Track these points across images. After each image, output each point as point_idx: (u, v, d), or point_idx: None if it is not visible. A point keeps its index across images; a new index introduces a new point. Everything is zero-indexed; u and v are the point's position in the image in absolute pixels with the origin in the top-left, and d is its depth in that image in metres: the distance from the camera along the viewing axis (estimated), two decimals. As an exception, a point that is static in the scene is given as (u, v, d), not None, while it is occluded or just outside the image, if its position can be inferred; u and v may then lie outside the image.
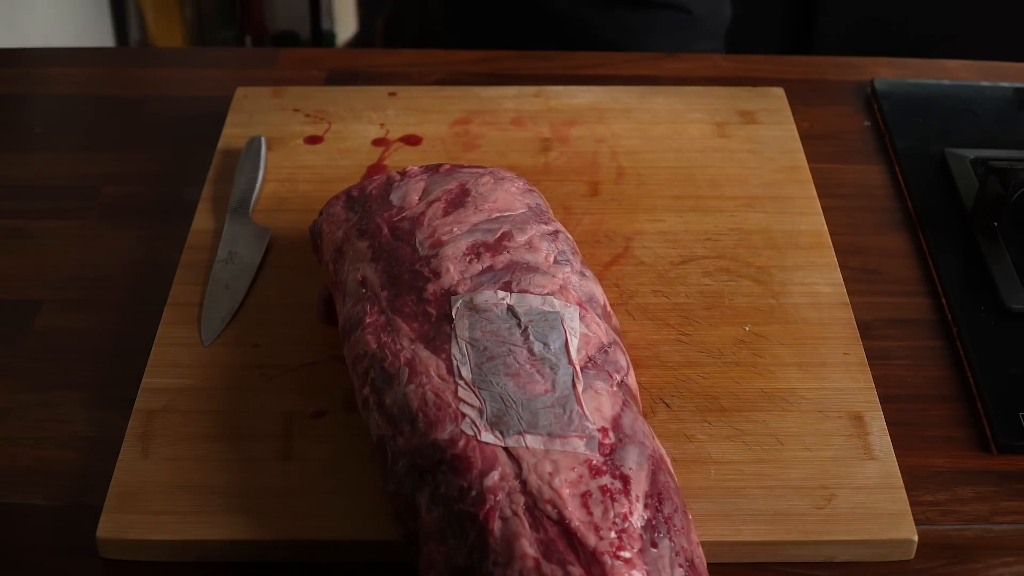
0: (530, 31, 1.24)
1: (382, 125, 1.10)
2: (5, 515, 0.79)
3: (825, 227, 0.99)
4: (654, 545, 0.67)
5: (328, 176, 1.03)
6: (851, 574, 0.76)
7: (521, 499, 0.67)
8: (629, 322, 0.90)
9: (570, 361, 0.74)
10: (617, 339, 0.79)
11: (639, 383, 0.84)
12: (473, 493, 0.68)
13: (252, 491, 0.77)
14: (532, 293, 0.78)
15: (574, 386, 0.73)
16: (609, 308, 0.82)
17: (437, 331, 0.76)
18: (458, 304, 0.77)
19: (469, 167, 0.90)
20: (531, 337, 0.75)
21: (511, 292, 0.78)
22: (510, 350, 0.74)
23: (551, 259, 0.82)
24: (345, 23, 2.65)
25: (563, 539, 0.66)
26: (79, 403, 0.86)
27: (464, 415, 0.71)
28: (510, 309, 0.77)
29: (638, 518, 0.67)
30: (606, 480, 0.68)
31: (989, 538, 0.78)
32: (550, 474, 0.68)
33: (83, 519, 0.77)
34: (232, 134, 1.09)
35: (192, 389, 0.84)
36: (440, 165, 0.90)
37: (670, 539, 0.68)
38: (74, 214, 1.03)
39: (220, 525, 0.75)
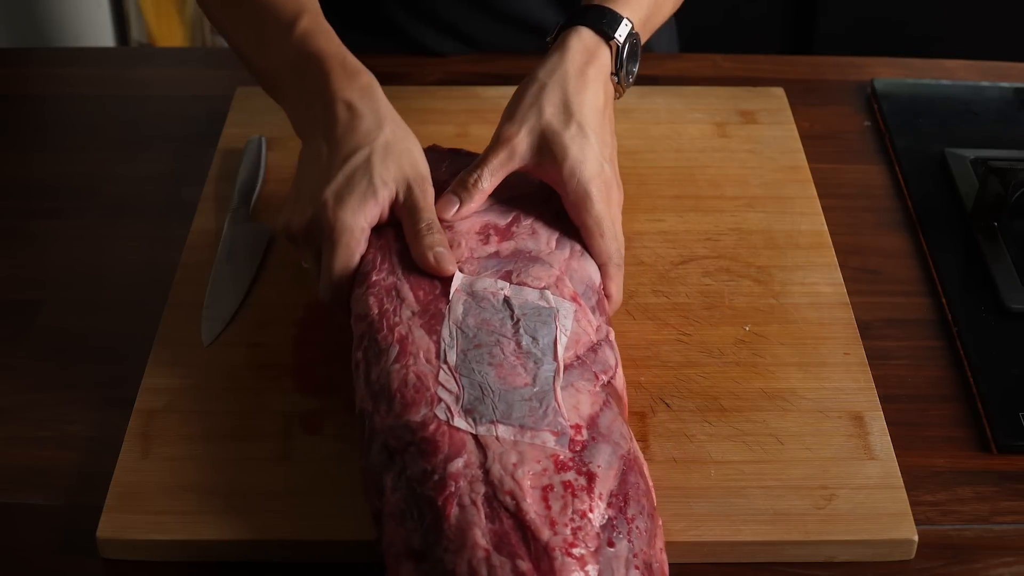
0: (519, 36, 1.25)
1: (382, 125, 1.10)
2: (5, 515, 0.79)
3: (825, 227, 0.99)
4: (611, 544, 0.67)
5: (328, 176, 1.03)
6: (851, 574, 0.76)
7: (482, 488, 0.67)
8: (629, 322, 0.90)
9: (555, 358, 0.75)
10: (608, 335, 0.79)
11: (639, 383, 0.84)
12: (436, 477, 0.68)
13: (252, 491, 0.77)
14: (530, 286, 0.79)
15: (554, 382, 0.73)
16: (603, 292, 0.84)
17: (435, 305, 0.77)
18: (458, 283, 0.79)
19: None
20: (521, 331, 0.76)
21: (510, 283, 0.79)
22: (498, 340, 0.75)
23: (552, 243, 0.83)
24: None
25: (517, 532, 0.66)
26: (79, 403, 0.86)
27: (440, 399, 0.71)
28: (506, 300, 0.78)
29: (598, 516, 0.68)
30: (570, 476, 0.68)
31: (989, 538, 0.78)
32: (514, 464, 0.68)
33: (83, 519, 0.77)
34: (232, 134, 1.09)
35: (192, 389, 0.84)
36: (462, 149, 0.94)
37: (629, 541, 0.68)
38: (74, 214, 1.03)
39: (220, 525, 0.75)
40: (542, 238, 0.84)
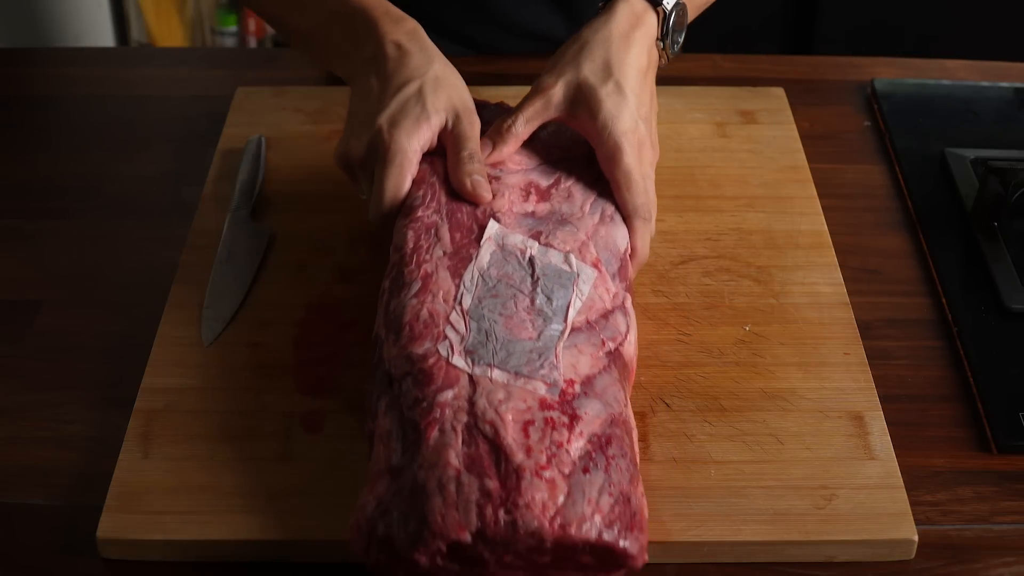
0: (519, 37, 1.25)
1: (382, 125, 1.10)
2: (5, 515, 0.79)
3: (825, 227, 0.99)
4: (586, 471, 0.69)
5: (328, 176, 1.03)
6: (851, 574, 0.76)
7: (464, 418, 0.71)
8: (629, 322, 0.90)
9: (564, 319, 0.77)
10: (624, 301, 0.81)
11: (639, 383, 0.85)
12: (424, 404, 0.72)
13: (252, 491, 0.77)
14: (555, 248, 0.82)
15: (558, 341, 0.76)
16: (628, 255, 0.86)
17: (467, 249, 0.81)
18: (492, 232, 0.82)
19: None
20: (539, 289, 0.79)
21: (538, 243, 0.82)
22: (515, 295, 0.78)
23: (586, 207, 0.86)
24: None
25: (491, 456, 0.69)
26: (79, 403, 0.86)
27: (446, 337, 0.75)
28: (531, 259, 0.81)
29: (576, 448, 0.70)
30: (554, 414, 0.71)
31: (989, 538, 0.78)
32: (500, 400, 0.72)
33: (83, 519, 0.77)
34: (232, 134, 1.09)
35: (192, 389, 0.84)
36: (501, 103, 0.96)
37: (606, 473, 0.70)
38: (74, 214, 1.03)
39: (220, 525, 0.75)
40: (576, 202, 0.86)
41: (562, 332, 0.76)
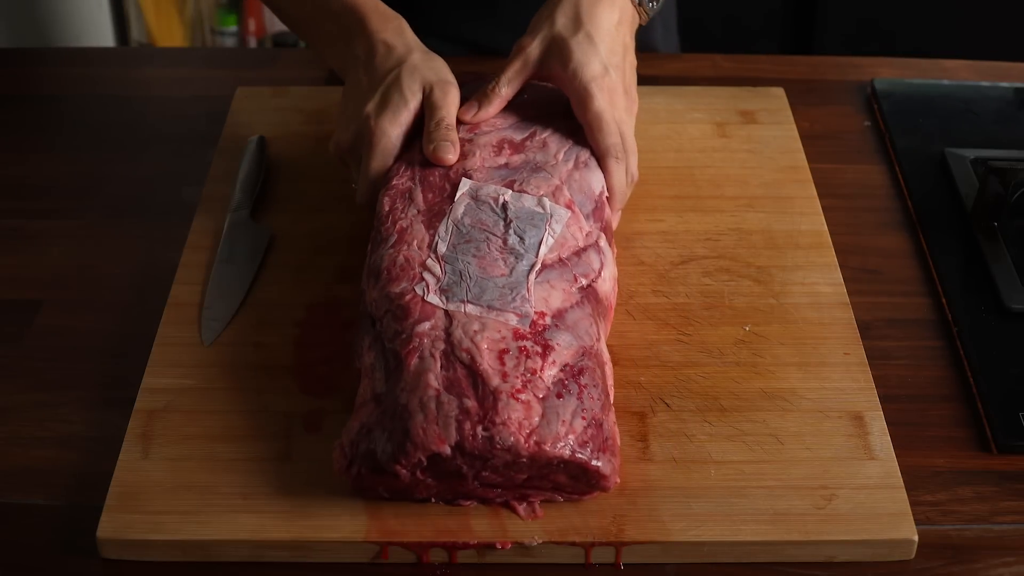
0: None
1: (382, 125, 1.10)
2: (5, 515, 0.79)
3: (825, 227, 0.99)
4: (559, 397, 0.73)
5: (328, 176, 1.03)
6: (851, 574, 0.76)
7: (442, 346, 0.75)
8: (629, 322, 0.90)
9: (536, 255, 0.80)
10: (597, 240, 0.84)
11: (639, 383, 0.85)
12: (403, 336, 0.76)
13: (252, 491, 0.77)
14: (529, 194, 0.85)
15: (528, 275, 0.79)
16: (605, 198, 0.89)
17: (440, 207, 0.85)
18: (465, 189, 0.85)
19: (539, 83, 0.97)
20: (511, 231, 0.83)
21: (512, 190, 0.85)
22: (487, 238, 0.82)
23: (560, 155, 0.89)
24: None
25: (468, 379, 0.73)
26: (79, 403, 0.86)
27: (422, 279, 0.79)
28: (504, 205, 0.84)
29: (549, 376, 0.74)
30: (527, 344, 0.75)
31: (989, 538, 0.78)
32: (475, 331, 0.76)
33: (83, 519, 0.77)
34: (232, 134, 1.09)
35: (192, 389, 0.84)
36: (481, 74, 0.98)
37: (579, 399, 0.73)
38: (74, 214, 1.03)
39: (220, 525, 0.75)
40: (551, 150, 0.90)
41: (532, 266, 0.80)
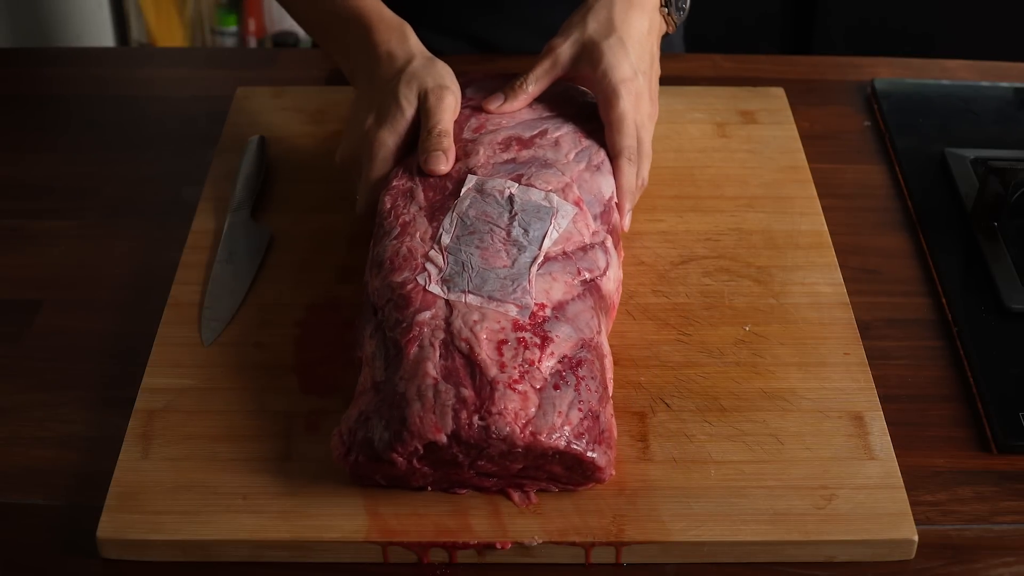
0: (519, 34, 1.25)
1: (382, 125, 1.10)
2: (5, 515, 0.79)
3: (825, 227, 0.99)
4: (556, 388, 0.73)
5: (328, 176, 1.03)
6: (851, 574, 0.76)
7: (441, 335, 0.76)
8: (629, 322, 0.90)
9: (539, 248, 0.81)
10: (606, 241, 0.85)
11: (639, 383, 0.85)
12: (404, 324, 0.77)
13: (252, 491, 0.77)
14: (537, 188, 0.85)
15: (531, 267, 0.79)
16: (615, 203, 0.89)
17: (443, 203, 0.85)
18: (470, 184, 0.86)
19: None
20: (515, 223, 0.83)
21: (519, 183, 0.86)
22: (491, 229, 0.82)
23: (571, 156, 0.89)
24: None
25: (466, 368, 0.74)
26: (79, 403, 0.86)
27: (425, 269, 0.80)
28: (511, 197, 0.84)
29: (547, 367, 0.74)
30: (526, 335, 0.75)
31: (989, 538, 0.78)
32: (475, 321, 0.76)
33: (83, 519, 0.77)
34: (232, 134, 1.09)
35: (192, 389, 0.84)
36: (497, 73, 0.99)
37: (576, 391, 0.74)
38: (74, 214, 1.03)
39: (220, 525, 0.75)
40: (563, 150, 0.90)
41: (535, 259, 0.80)
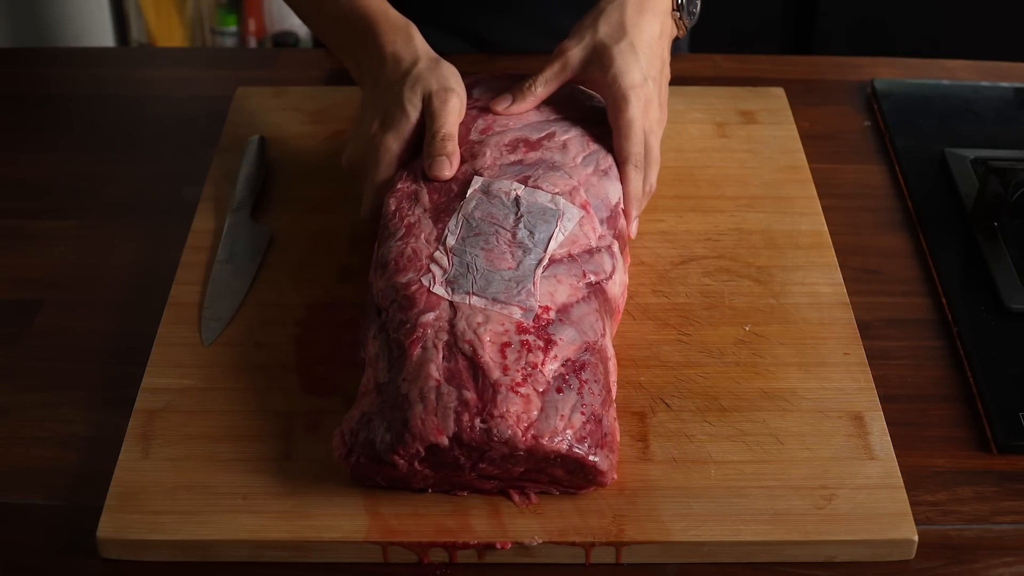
0: (522, 34, 1.25)
1: (382, 125, 1.10)
2: (5, 515, 0.79)
3: (825, 227, 0.99)
4: (559, 391, 0.73)
5: (328, 176, 1.03)
6: (851, 574, 0.76)
7: (444, 336, 0.76)
8: (629, 322, 0.90)
9: (544, 250, 0.81)
10: (612, 245, 0.85)
11: (639, 383, 0.84)
12: (408, 325, 0.77)
13: (252, 491, 0.77)
14: (543, 190, 0.85)
15: (536, 269, 0.79)
16: (621, 208, 0.89)
17: (448, 205, 0.85)
18: (476, 185, 0.86)
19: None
20: (521, 225, 0.83)
21: (525, 185, 0.85)
22: (497, 231, 0.82)
23: (579, 159, 0.89)
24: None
25: (469, 371, 0.74)
26: (79, 403, 0.86)
27: (429, 271, 0.80)
28: (516, 199, 0.84)
29: (550, 370, 0.74)
30: (530, 338, 0.75)
31: (989, 538, 0.78)
32: (479, 324, 0.76)
33: (83, 519, 0.77)
34: (232, 134, 1.09)
35: (192, 389, 0.84)
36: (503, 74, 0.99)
37: (579, 394, 0.74)
38: (74, 214, 1.03)
39: (220, 525, 0.75)
40: (570, 153, 0.90)
41: (540, 261, 0.80)
